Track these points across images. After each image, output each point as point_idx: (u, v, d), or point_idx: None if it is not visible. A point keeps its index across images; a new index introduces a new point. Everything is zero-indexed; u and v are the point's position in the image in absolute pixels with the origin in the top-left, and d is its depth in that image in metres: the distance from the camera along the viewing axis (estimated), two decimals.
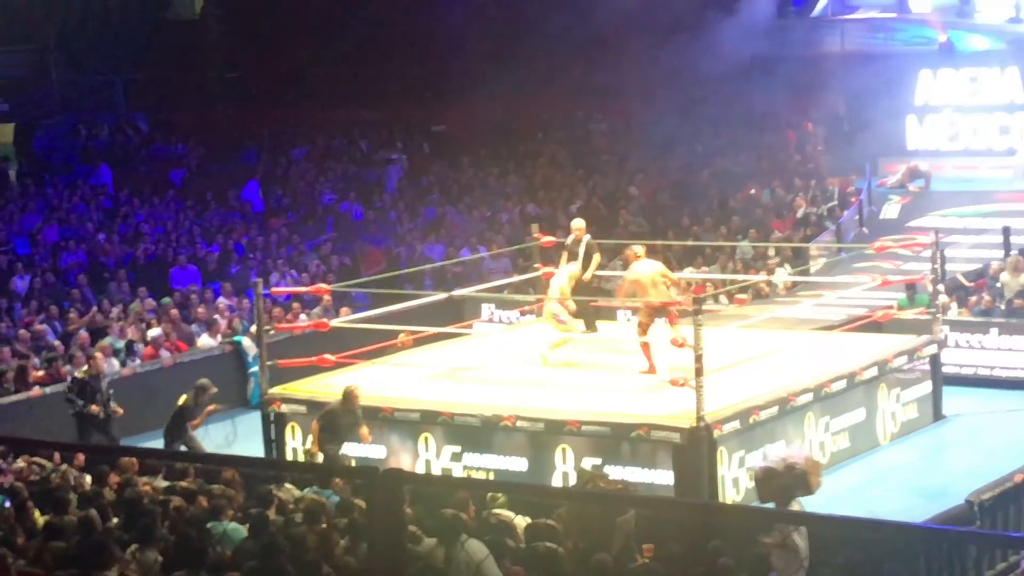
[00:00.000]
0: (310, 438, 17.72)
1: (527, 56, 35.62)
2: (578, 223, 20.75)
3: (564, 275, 19.64)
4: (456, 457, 17.95)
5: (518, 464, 17.61)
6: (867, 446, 19.22)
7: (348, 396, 17.52)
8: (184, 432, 18.51)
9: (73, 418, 19.68)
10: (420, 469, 17.93)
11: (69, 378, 20.49)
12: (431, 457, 18.08)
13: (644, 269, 18.71)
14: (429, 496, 12.21)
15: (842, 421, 18.96)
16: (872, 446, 19.33)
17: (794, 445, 17.36)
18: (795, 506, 12.55)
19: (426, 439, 18.10)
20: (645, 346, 18.61)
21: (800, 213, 30.09)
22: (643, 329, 18.65)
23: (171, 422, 18.64)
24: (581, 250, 20.06)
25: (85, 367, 20.21)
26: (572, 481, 17.09)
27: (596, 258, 20.14)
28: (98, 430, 19.56)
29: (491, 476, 17.69)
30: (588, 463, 16.90)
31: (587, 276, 20.06)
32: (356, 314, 23.11)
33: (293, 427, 18.94)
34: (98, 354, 20.77)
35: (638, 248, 19.21)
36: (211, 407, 18.76)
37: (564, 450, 17.31)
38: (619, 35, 33.65)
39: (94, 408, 19.53)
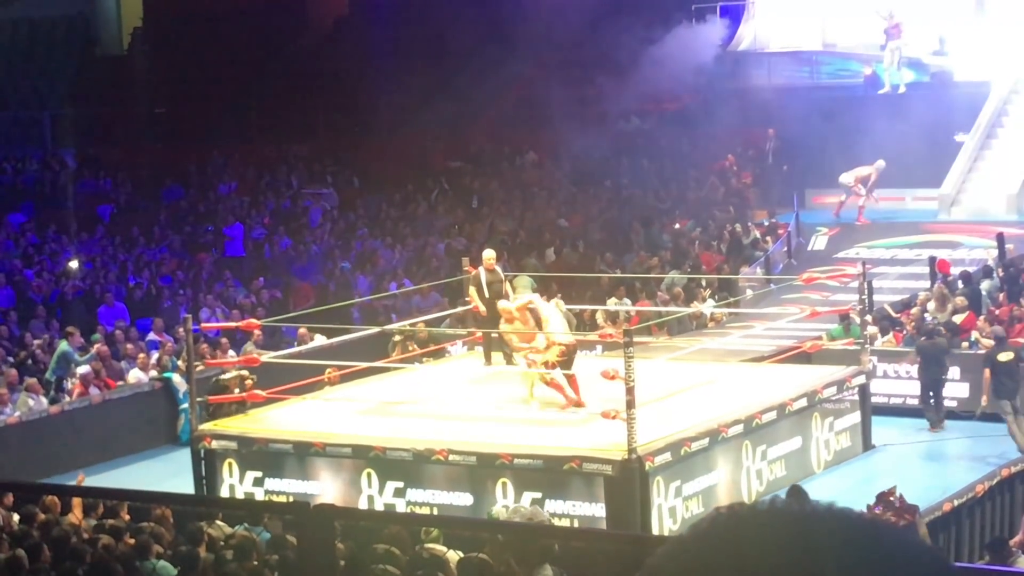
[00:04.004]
0: None
1: (455, 90, 35.74)
2: (489, 254, 21.11)
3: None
4: (399, 493, 17.83)
5: (462, 499, 17.53)
6: (802, 474, 19.28)
7: None
8: None
9: None
10: (363, 505, 17.79)
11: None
12: (374, 493, 17.94)
13: None
14: (362, 532, 12.15)
15: (778, 449, 19.07)
16: (807, 474, 19.40)
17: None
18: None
19: (368, 475, 17.97)
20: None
21: (727, 245, 30.28)
22: None
23: None
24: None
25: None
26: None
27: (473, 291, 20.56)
28: None
29: (435, 511, 17.56)
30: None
31: (483, 309, 20.37)
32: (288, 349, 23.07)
33: (231, 463, 18.73)
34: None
35: None
36: None
37: (504, 484, 17.25)
38: (548, 69, 33.83)
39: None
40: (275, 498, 18.25)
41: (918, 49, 33.67)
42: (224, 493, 18.53)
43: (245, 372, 20.47)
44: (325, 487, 18.24)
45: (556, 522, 16.84)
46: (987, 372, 20.07)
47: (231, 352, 23.88)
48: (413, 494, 17.75)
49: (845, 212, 30.63)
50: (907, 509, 15.66)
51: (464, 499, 17.47)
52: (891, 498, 15.77)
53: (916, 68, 33.59)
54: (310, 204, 35.90)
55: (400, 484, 17.83)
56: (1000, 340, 20.36)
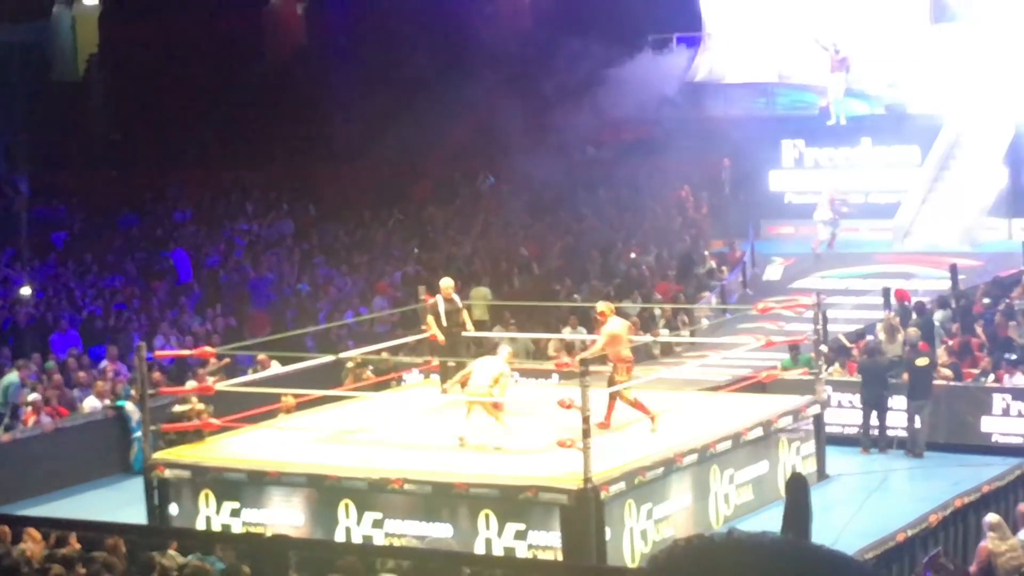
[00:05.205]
0: None
1: (413, 118, 35.73)
2: (447, 283, 21.08)
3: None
4: (378, 524, 17.64)
5: (442, 531, 17.36)
6: (769, 499, 19.14)
7: None
8: None
9: None
10: (340, 537, 17.62)
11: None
12: (351, 524, 17.76)
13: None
14: (317, 562, 12.07)
15: (746, 474, 19.08)
16: (775, 499, 19.18)
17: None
18: None
19: (346, 506, 17.79)
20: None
21: (683, 275, 30.33)
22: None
23: None
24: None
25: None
26: (496, 548, 16.85)
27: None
28: None
29: (414, 543, 17.36)
30: None
31: (441, 338, 20.40)
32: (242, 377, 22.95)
33: (207, 494, 18.48)
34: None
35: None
36: None
37: (488, 516, 17.09)
38: (507, 98, 33.87)
39: None
40: (252, 529, 18.04)
41: (872, 82, 33.86)
42: (200, 524, 18.29)
43: (201, 406, 20.39)
44: (301, 518, 18.05)
45: (540, 555, 16.71)
46: (906, 376, 21.40)
47: (209, 378, 23.57)
48: (391, 525, 17.56)
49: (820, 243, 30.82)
50: (963, 573, 15.20)
51: (444, 530, 17.31)
52: (942, 560, 15.27)
53: (871, 100, 33.78)
54: (243, 229, 35.84)
55: (379, 515, 17.65)
56: (914, 347, 21.86)
